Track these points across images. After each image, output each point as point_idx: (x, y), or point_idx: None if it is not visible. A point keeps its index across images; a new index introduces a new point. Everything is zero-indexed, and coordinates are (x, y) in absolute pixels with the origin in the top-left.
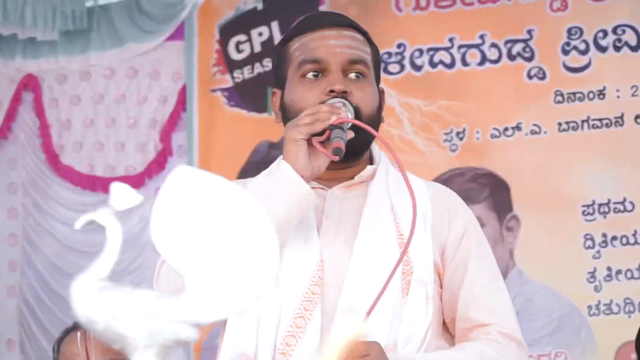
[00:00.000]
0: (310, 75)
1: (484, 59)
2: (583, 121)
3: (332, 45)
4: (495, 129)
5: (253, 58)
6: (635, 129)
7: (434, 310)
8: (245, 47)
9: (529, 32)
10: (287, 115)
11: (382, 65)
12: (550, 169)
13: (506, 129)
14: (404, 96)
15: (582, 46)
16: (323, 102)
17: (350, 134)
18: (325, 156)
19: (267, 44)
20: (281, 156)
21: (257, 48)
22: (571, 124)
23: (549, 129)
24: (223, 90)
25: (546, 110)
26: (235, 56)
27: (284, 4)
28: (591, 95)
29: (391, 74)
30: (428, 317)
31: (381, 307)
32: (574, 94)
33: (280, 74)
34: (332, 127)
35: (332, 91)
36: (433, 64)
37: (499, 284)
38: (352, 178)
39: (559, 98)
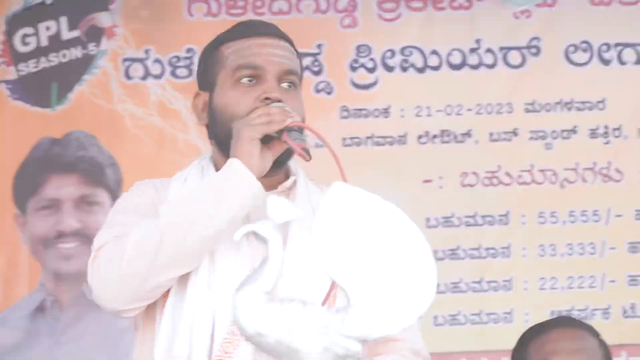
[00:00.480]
0: (245, 80)
1: None
2: (367, 138)
3: (270, 53)
4: None
5: (39, 52)
6: (417, 149)
7: None
8: (32, 41)
9: (319, 46)
10: (216, 117)
11: (170, 68)
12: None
13: None
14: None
15: (370, 64)
16: (256, 108)
17: None
18: (301, 157)
19: (54, 38)
20: (204, 157)
21: (44, 42)
22: (355, 140)
23: (333, 144)
24: (7, 82)
25: (331, 125)
26: (21, 49)
27: (74, 0)
28: (376, 113)
29: (179, 77)
30: None
31: None
32: (359, 110)
33: (208, 77)
34: (288, 129)
35: (267, 99)
36: None
37: None
38: (273, 187)
39: (345, 113)
